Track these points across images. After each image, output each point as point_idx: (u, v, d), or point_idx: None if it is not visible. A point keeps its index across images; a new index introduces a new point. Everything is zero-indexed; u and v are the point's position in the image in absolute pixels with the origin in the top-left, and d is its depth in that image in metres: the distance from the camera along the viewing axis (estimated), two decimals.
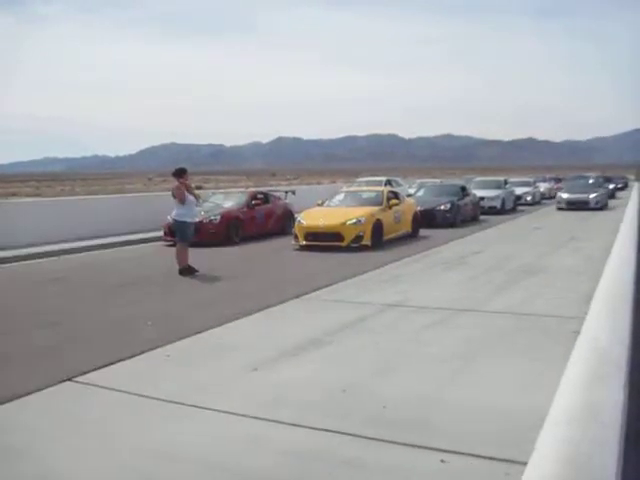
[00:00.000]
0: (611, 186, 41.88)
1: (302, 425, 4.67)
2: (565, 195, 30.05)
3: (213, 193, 22.67)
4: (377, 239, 15.93)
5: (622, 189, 55.48)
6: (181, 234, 12.38)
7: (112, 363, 6.36)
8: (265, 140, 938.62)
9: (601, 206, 29.49)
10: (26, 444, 4.49)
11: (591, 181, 37.81)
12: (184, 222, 12.34)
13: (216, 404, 5.14)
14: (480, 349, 6.67)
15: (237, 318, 8.24)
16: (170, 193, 12.79)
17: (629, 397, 3.21)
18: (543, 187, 39.72)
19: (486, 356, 6.40)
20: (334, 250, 15.08)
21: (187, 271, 12.07)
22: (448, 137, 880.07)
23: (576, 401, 2.60)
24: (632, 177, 73.57)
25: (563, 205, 29.44)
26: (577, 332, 5.41)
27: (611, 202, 34.04)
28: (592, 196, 29.58)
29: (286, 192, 22.17)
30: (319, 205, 17.97)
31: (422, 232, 18.82)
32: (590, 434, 2.27)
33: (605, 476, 1.95)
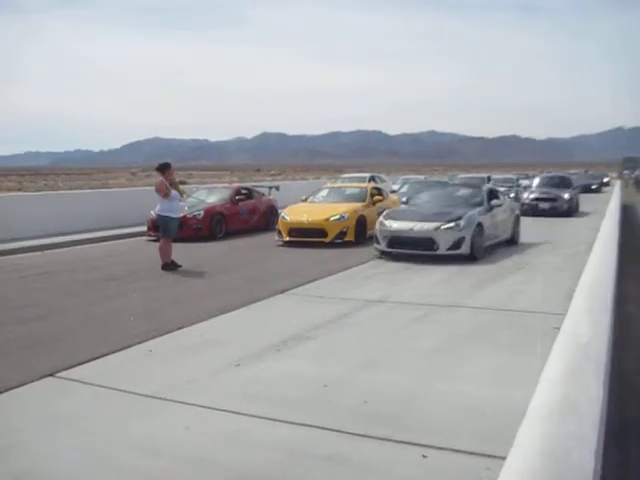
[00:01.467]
0: (566, 195, 24.07)
1: (284, 420, 4.68)
2: (395, 224, 13.31)
3: (197, 188, 22.59)
4: (361, 235, 15.93)
5: (596, 191, 44.33)
6: (165, 229, 12.35)
7: (94, 358, 6.33)
8: (249, 135, 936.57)
9: (477, 250, 12.77)
10: (7, 441, 4.47)
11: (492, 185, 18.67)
12: (168, 217, 12.30)
13: (198, 399, 5.14)
14: (461, 345, 6.71)
15: (220, 313, 8.23)
16: (154, 188, 12.74)
17: (608, 392, 3.24)
18: (526, 184, 39.88)
19: (467, 352, 6.44)
20: (318, 246, 15.08)
21: (170, 266, 12.04)
22: (432, 133, 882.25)
23: (556, 396, 2.62)
24: (614, 175, 74.16)
25: (383, 246, 13.32)
26: (558, 328, 5.45)
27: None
28: (443, 229, 12.69)
29: (270, 188, 22.14)
30: (303, 201, 17.95)
31: None
32: (569, 429, 2.29)
33: (584, 470, 1.97)
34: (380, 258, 13.17)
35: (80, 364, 6.14)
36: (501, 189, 20.74)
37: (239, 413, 4.84)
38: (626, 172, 67.47)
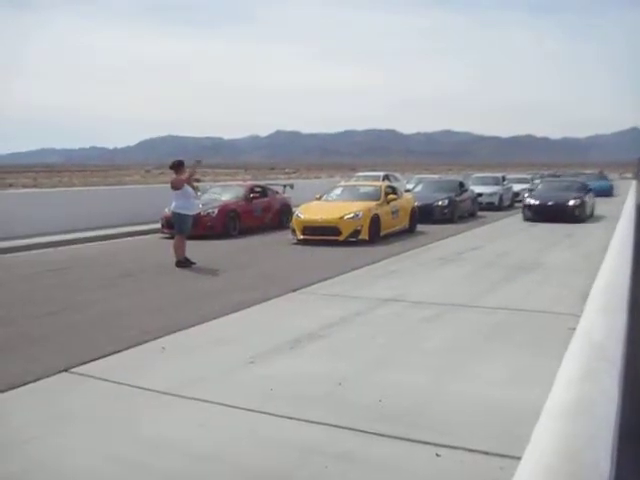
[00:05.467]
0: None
1: (297, 418, 4.69)
2: None
3: (211, 186, 22.65)
4: (374, 234, 15.92)
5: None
6: (179, 226, 12.39)
7: (108, 354, 6.36)
8: (264, 133, 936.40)
9: None
10: (20, 435, 4.50)
11: None
12: (183, 214, 12.35)
13: (211, 396, 5.15)
14: (476, 344, 6.68)
15: (234, 311, 8.24)
16: (170, 185, 12.77)
17: (623, 392, 3.22)
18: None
19: (482, 351, 6.42)
20: (331, 244, 15.08)
21: (184, 263, 12.08)
22: (446, 133, 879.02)
23: (571, 396, 2.61)
24: (630, 175, 73.60)
25: None
26: (573, 329, 5.42)
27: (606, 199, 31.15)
28: None
29: (284, 186, 22.17)
30: (317, 199, 17.96)
31: (419, 227, 18.82)
32: (584, 428, 2.28)
33: (599, 470, 1.96)
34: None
35: (94, 360, 6.18)
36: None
37: (253, 410, 4.85)
38: None
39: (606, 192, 36.84)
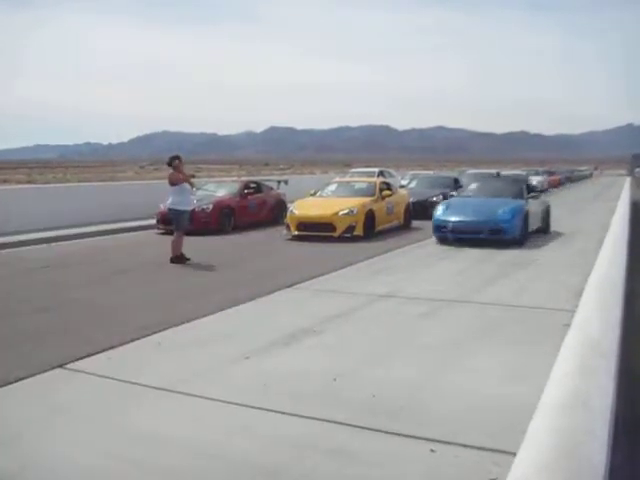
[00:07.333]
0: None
1: (292, 413, 4.69)
2: None
3: (206, 182, 22.61)
4: (369, 230, 15.93)
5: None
6: (177, 223, 12.36)
7: (103, 350, 6.35)
8: (258, 129, 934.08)
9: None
10: (13, 432, 4.49)
11: None
12: (180, 210, 12.32)
13: (206, 392, 5.15)
14: (471, 340, 6.69)
15: (229, 307, 8.23)
16: (168, 182, 12.72)
17: (618, 387, 3.23)
18: (535, 180, 39.61)
19: (477, 347, 6.43)
20: (326, 240, 15.08)
21: (179, 259, 12.05)
22: (441, 129, 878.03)
23: (566, 391, 2.62)
24: (623, 172, 73.91)
25: None
26: (568, 325, 5.44)
27: None
28: None
29: (279, 182, 22.14)
30: (312, 195, 17.95)
31: (414, 223, 18.82)
32: (580, 423, 2.29)
33: (594, 464, 1.97)
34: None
35: (89, 356, 6.16)
36: None
37: (248, 406, 4.85)
38: (638, 169, 66.08)
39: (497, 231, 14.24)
